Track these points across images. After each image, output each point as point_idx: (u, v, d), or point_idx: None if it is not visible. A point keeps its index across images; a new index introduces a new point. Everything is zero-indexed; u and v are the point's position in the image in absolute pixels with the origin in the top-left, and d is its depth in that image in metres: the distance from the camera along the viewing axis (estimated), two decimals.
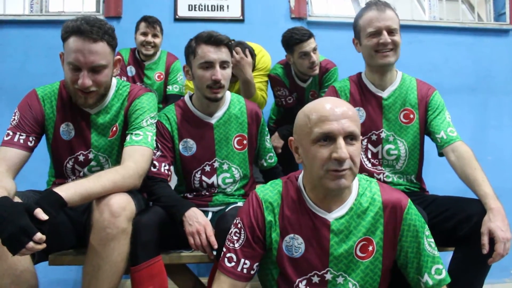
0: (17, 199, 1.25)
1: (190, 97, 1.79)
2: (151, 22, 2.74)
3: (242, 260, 1.21)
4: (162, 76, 2.87)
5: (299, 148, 1.20)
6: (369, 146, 1.76)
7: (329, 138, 1.10)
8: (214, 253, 1.46)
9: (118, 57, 1.60)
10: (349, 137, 1.11)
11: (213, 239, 1.46)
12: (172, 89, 2.84)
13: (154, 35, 2.77)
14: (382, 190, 1.24)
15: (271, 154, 1.90)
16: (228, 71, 1.68)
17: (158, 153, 1.67)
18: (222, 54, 1.64)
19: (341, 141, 1.09)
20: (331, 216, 1.19)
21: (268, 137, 1.89)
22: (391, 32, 1.64)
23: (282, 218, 1.22)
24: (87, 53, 1.42)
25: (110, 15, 3.10)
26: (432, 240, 1.23)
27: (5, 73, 3.00)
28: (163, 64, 2.89)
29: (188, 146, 1.72)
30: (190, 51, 1.68)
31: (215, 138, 1.73)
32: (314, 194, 1.21)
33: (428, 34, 3.30)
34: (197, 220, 1.48)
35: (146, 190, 1.62)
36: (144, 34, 2.75)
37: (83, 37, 1.41)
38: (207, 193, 1.74)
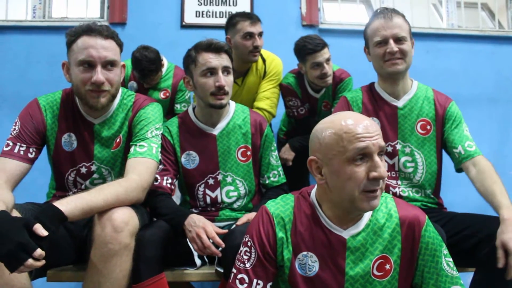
0: (15, 213, 1.23)
1: (193, 109, 1.76)
2: (141, 77, 2.58)
3: (255, 280, 1.16)
4: (168, 94, 2.73)
5: (323, 168, 1.13)
6: (385, 157, 1.70)
7: (365, 156, 1.06)
8: (220, 254, 1.42)
9: (123, 63, 1.58)
10: (380, 153, 1.08)
11: (217, 239, 1.42)
12: (180, 108, 2.71)
13: (150, 82, 2.64)
14: (398, 206, 1.20)
15: (275, 172, 1.79)
16: (231, 78, 1.66)
17: (161, 166, 1.65)
18: (223, 60, 1.63)
19: (377, 159, 1.06)
20: (347, 233, 1.15)
21: (276, 153, 1.81)
22: (398, 40, 1.61)
23: (295, 234, 1.18)
24: (100, 48, 1.43)
25: (114, 21, 3.09)
26: (451, 259, 1.18)
27: (6, 80, 3.01)
28: (169, 80, 2.74)
29: (191, 159, 1.69)
30: (190, 60, 1.67)
31: (218, 150, 1.70)
32: (332, 211, 1.16)
33: (446, 42, 3.25)
34: (195, 224, 1.46)
35: (148, 204, 1.58)
36: (139, 82, 2.64)
37: (94, 34, 1.44)
38: (213, 209, 1.70)
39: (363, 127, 1.07)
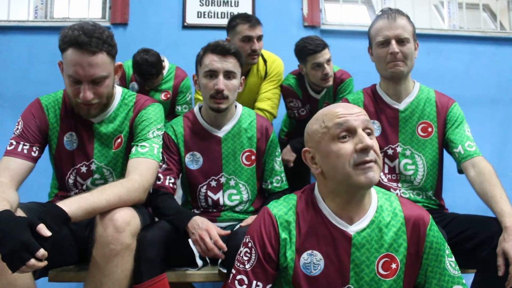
0: (19, 212, 1.23)
1: (200, 108, 1.75)
2: (142, 81, 2.59)
3: (254, 282, 1.15)
4: (169, 95, 2.73)
5: (315, 156, 1.15)
6: (386, 160, 1.70)
7: (349, 132, 1.08)
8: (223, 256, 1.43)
9: (119, 63, 1.55)
10: (367, 130, 1.09)
11: (220, 243, 1.42)
12: (181, 109, 2.70)
13: (151, 85, 2.64)
14: (402, 205, 1.19)
15: (279, 178, 1.78)
16: (234, 82, 1.63)
17: (164, 165, 1.65)
18: (228, 64, 1.60)
19: (361, 132, 1.07)
20: (353, 229, 1.14)
21: (279, 159, 1.80)
22: (401, 41, 1.60)
23: (299, 234, 1.17)
24: (86, 66, 1.38)
25: (116, 22, 3.09)
26: (453, 259, 1.18)
27: (8, 80, 3.02)
28: (171, 81, 2.73)
29: (194, 159, 1.69)
30: (197, 60, 1.67)
31: (222, 152, 1.69)
32: (336, 203, 1.15)
33: (448, 43, 3.26)
34: (199, 227, 1.46)
35: (150, 204, 1.58)
36: (140, 83, 2.65)
37: (81, 50, 1.36)
38: (214, 210, 1.70)
39: (343, 108, 1.12)
